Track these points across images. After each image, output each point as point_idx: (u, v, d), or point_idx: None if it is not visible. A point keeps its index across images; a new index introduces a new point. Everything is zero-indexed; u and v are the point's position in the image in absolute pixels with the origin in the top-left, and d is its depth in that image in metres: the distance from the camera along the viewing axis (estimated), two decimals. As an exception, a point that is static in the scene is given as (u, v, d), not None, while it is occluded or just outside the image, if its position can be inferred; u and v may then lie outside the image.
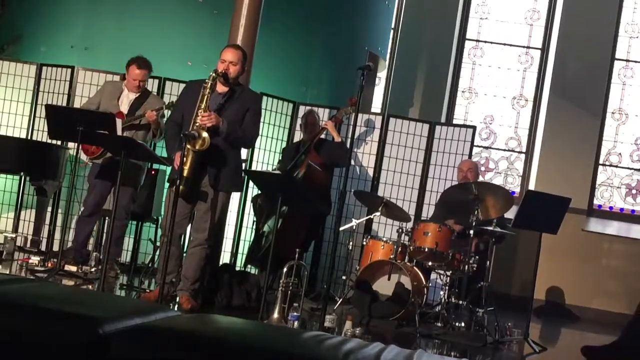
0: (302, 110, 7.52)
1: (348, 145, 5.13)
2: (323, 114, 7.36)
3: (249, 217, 7.26)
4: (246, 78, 5.95)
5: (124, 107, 6.22)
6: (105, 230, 6.56)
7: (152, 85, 6.86)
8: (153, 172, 6.64)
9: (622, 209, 9.74)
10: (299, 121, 7.43)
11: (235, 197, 6.67)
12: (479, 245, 6.26)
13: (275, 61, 7.70)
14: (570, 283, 9.14)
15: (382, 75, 10.10)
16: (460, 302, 5.82)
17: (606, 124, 9.81)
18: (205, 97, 5.05)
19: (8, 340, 2.02)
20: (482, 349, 5.47)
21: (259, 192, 6.49)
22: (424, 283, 6.03)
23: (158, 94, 7.14)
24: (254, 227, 6.94)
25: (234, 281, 5.67)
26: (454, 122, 10.00)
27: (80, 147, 5.91)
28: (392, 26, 9.89)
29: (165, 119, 6.27)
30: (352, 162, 7.35)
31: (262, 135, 7.07)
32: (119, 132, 5.89)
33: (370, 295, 5.93)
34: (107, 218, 6.44)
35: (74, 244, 6.25)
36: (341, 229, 6.14)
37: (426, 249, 5.99)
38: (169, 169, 5.67)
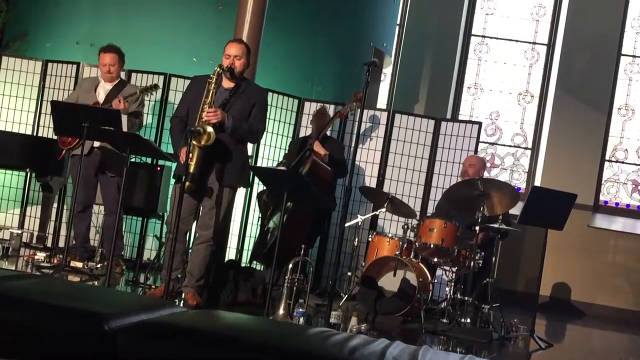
0: (307, 106, 7.50)
1: (353, 142, 5.10)
2: (328, 110, 7.34)
3: (255, 213, 7.25)
4: (251, 74, 5.94)
5: (100, 98, 6.24)
6: (102, 225, 6.56)
7: (157, 81, 6.84)
8: (158, 169, 6.63)
9: (628, 205, 9.71)
10: (304, 117, 7.41)
11: (240, 193, 6.66)
12: (486, 235, 6.27)
13: (281, 57, 7.67)
14: (576, 279, 9.12)
15: (387, 71, 10.07)
16: (466, 298, 5.81)
17: (612, 120, 9.77)
18: (211, 92, 5.03)
19: (14, 336, 2.02)
20: (488, 345, 5.46)
21: (264, 188, 6.48)
22: (430, 279, 6.03)
23: (163, 91, 7.13)
24: (259, 223, 6.94)
25: (239, 277, 5.67)
26: (460, 118, 9.97)
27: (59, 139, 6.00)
28: (398, 22, 9.86)
29: (142, 106, 6.32)
30: (358, 158, 7.34)
31: (267, 132, 7.05)
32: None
33: (376, 292, 5.93)
34: (101, 208, 6.47)
35: (76, 242, 6.26)
36: (346, 225, 6.14)
37: (432, 245, 5.99)
38: (174, 165, 5.66)
